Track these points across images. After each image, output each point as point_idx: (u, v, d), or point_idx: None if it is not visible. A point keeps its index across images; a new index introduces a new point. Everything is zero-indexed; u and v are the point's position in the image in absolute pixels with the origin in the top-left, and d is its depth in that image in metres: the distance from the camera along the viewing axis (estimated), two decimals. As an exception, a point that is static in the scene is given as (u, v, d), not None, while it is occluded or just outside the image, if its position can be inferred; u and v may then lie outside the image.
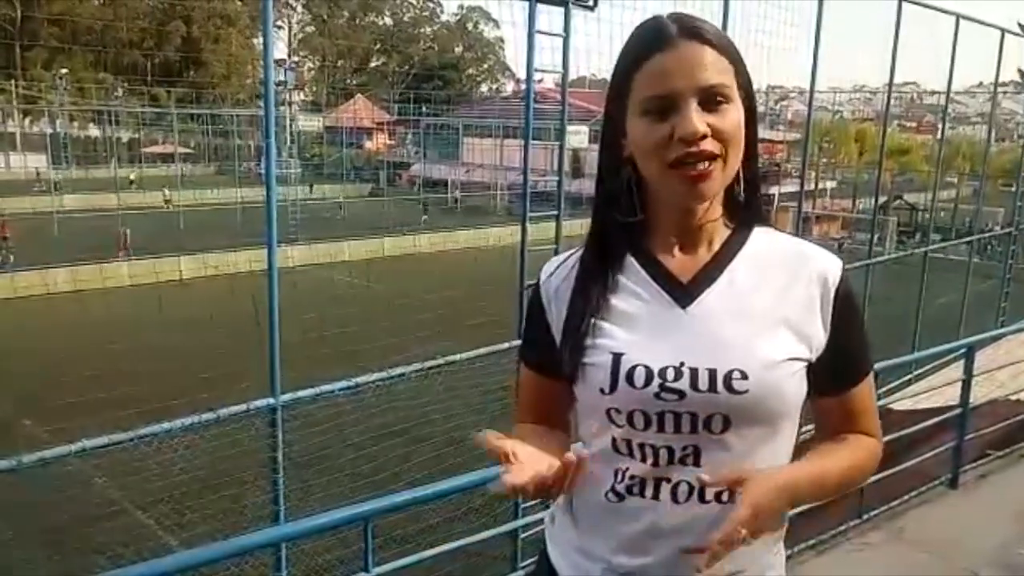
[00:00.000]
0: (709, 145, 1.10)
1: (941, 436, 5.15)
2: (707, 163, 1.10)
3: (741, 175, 1.18)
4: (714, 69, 1.11)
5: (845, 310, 1.19)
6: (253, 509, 8.05)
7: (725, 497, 1.13)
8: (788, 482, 1.11)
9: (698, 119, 1.09)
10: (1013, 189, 16.93)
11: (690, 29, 1.12)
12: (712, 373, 1.12)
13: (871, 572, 4.15)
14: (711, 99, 1.10)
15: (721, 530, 1.03)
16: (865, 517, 4.43)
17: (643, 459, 1.16)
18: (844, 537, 4.31)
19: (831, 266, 1.19)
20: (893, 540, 4.30)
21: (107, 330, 17.04)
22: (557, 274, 1.28)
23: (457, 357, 7.40)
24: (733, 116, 1.12)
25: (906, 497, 4.69)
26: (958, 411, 5.01)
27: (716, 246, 1.21)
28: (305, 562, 7.70)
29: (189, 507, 8.85)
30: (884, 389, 8.41)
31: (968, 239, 16.20)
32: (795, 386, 1.15)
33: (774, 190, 31.55)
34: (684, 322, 1.16)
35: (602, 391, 1.16)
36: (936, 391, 6.43)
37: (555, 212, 7.49)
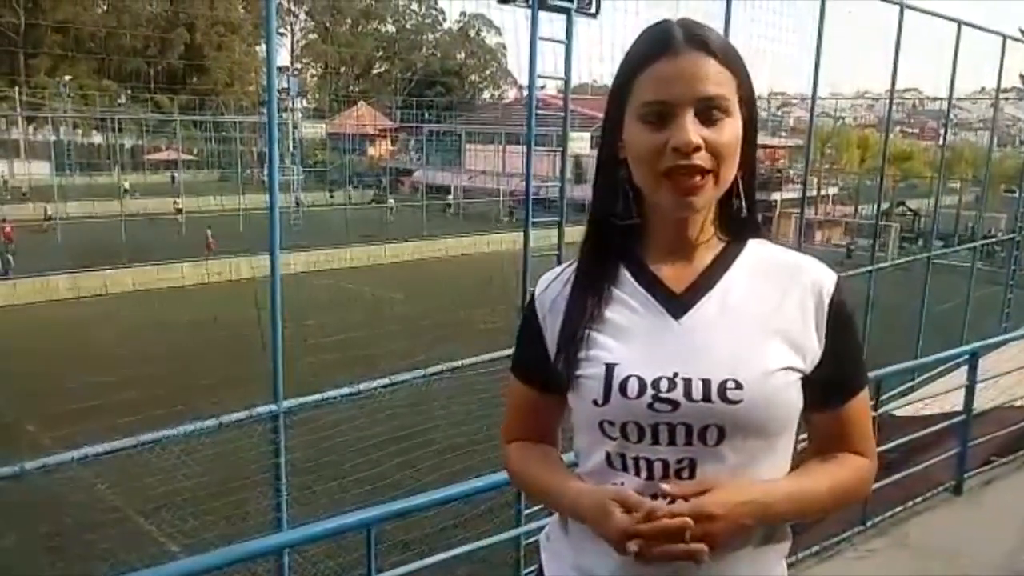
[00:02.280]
0: (702, 159, 1.10)
1: (945, 442, 5.13)
2: (699, 176, 1.10)
3: (740, 186, 1.18)
4: (715, 81, 1.10)
5: (840, 322, 1.18)
6: (255, 515, 8.03)
7: None
8: (755, 498, 1.10)
9: (693, 130, 1.09)
10: (1016, 195, 16.92)
11: (695, 38, 1.11)
12: (706, 383, 1.11)
13: (875, 579, 4.13)
14: (709, 111, 1.10)
15: (682, 506, 1.06)
16: (869, 524, 4.41)
17: (637, 473, 1.15)
18: (848, 544, 4.29)
19: (826, 278, 1.19)
20: (897, 547, 4.28)
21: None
22: (552, 287, 1.27)
23: (458, 363, 7.40)
24: (730, 131, 1.12)
25: (910, 504, 4.67)
26: (962, 417, 4.99)
27: (710, 257, 1.21)
28: (308, 569, 7.69)
29: (192, 513, 8.84)
30: (888, 395, 8.38)
31: (971, 245, 16.17)
32: (790, 397, 1.14)
33: (776, 196, 31.57)
34: (677, 333, 1.16)
35: (595, 403, 1.15)
36: (940, 397, 6.41)
37: (557, 219, 7.50)
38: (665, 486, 1.09)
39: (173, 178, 42.52)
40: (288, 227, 25.55)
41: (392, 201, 39.47)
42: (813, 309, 1.17)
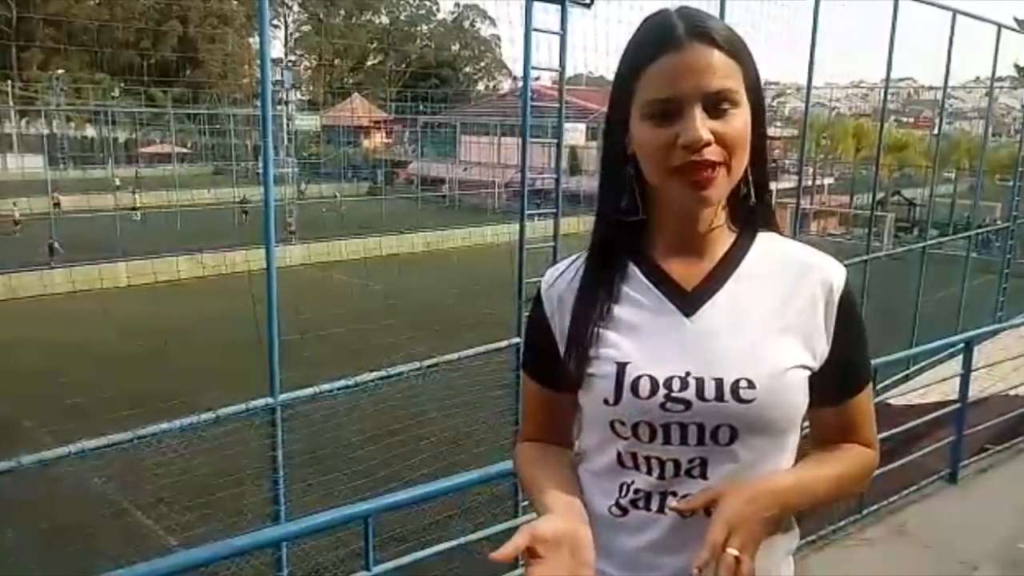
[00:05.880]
0: (712, 153, 1.07)
1: (940, 431, 5.16)
2: (710, 169, 1.07)
3: (749, 177, 1.15)
4: (721, 73, 1.07)
5: (848, 318, 1.17)
6: (255, 508, 8.03)
7: None
8: (766, 489, 1.08)
9: (702, 126, 1.05)
10: (1010, 184, 16.94)
11: (698, 30, 1.07)
12: (719, 383, 1.10)
13: (871, 567, 4.15)
14: (717, 104, 1.07)
15: (700, 557, 1.01)
16: (865, 512, 4.43)
17: (649, 472, 1.13)
18: (844, 532, 4.31)
19: (835, 274, 1.17)
20: (893, 535, 4.30)
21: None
22: (559, 282, 1.25)
23: (455, 356, 7.40)
24: (739, 121, 1.09)
25: (906, 492, 4.69)
26: (957, 406, 5.01)
27: (720, 252, 1.18)
28: (306, 561, 7.70)
29: (190, 507, 8.84)
30: (883, 384, 8.41)
31: (966, 234, 16.20)
32: (800, 395, 1.13)
33: (772, 186, 31.45)
34: (688, 331, 1.14)
35: (606, 402, 1.13)
36: (935, 386, 6.43)
37: (553, 210, 7.50)
38: (675, 503, 1.09)
39: (137, 173, 41.67)
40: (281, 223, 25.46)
41: (338, 193, 38.04)
42: (823, 306, 1.16)
